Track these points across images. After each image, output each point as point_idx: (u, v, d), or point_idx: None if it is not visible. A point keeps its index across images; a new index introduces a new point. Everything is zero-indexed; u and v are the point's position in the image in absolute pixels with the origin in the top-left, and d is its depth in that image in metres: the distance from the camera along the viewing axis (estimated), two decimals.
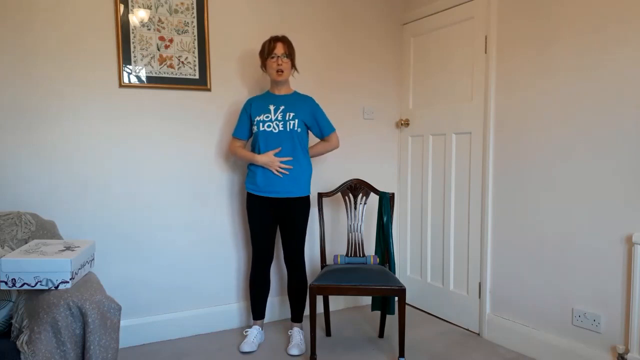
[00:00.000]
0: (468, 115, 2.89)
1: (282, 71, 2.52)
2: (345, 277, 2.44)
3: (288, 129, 2.52)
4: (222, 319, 2.92)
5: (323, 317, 2.94)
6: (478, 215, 2.84)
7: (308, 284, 2.64)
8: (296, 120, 2.53)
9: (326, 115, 2.69)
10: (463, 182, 2.95)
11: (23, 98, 2.38)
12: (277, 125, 2.53)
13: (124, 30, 2.55)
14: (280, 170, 2.52)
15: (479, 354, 2.58)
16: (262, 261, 2.66)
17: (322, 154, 2.78)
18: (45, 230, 2.13)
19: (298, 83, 3.01)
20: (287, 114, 2.54)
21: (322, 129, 2.66)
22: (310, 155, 2.71)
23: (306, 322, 2.99)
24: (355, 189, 2.81)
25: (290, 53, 2.54)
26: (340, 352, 2.61)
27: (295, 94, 2.64)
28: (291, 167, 2.53)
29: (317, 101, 2.74)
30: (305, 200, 2.62)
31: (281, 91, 2.62)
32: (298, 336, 2.65)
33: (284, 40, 2.54)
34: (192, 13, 2.72)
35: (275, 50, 2.50)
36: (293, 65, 2.59)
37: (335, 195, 2.93)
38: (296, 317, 2.72)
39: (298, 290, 2.69)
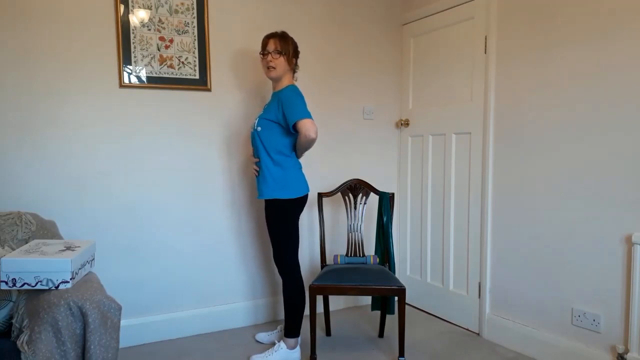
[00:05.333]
0: (468, 116, 2.89)
1: (273, 68, 2.38)
2: (345, 277, 2.44)
3: (253, 129, 2.44)
4: (222, 318, 2.92)
5: (323, 317, 2.94)
6: (478, 215, 2.84)
7: (296, 295, 2.44)
8: (259, 119, 2.40)
9: (297, 102, 2.30)
10: (463, 182, 2.95)
11: (23, 98, 2.38)
12: (253, 126, 2.45)
13: (124, 31, 2.56)
14: (254, 171, 2.49)
15: (478, 353, 2.58)
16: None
17: (303, 150, 2.39)
18: (45, 230, 2.13)
19: (297, 82, 3.01)
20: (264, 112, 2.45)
21: (287, 118, 2.28)
22: (297, 155, 2.47)
23: (306, 322, 2.99)
24: (355, 189, 2.81)
25: (283, 50, 2.37)
26: (340, 352, 2.62)
27: (283, 89, 2.39)
28: (257, 167, 2.44)
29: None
30: (273, 204, 2.39)
31: (275, 88, 2.46)
32: (274, 354, 2.44)
33: (278, 35, 2.40)
34: (192, 13, 2.73)
35: (267, 46, 2.41)
36: (289, 62, 2.41)
37: (335, 195, 2.93)
38: (285, 329, 2.50)
39: (284, 300, 2.47)
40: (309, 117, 2.26)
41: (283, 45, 2.38)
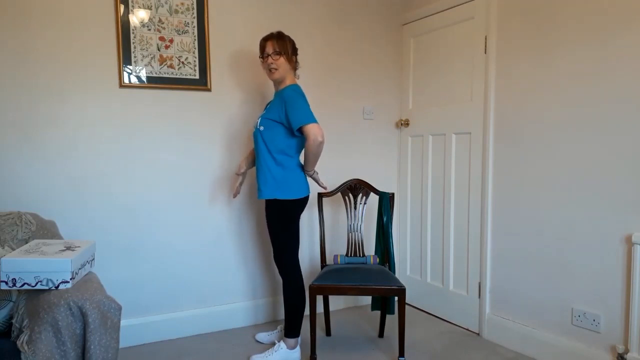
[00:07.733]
0: (468, 116, 2.89)
1: (275, 69, 2.38)
2: (345, 277, 2.44)
3: (256, 128, 2.43)
4: (222, 318, 2.92)
5: (323, 317, 2.95)
6: (478, 215, 2.84)
7: (296, 295, 2.44)
8: (261, 119, 2.40)
9: (300, 105, 2.29)
10: (463, 182, 2.95)
11: (23, 98, 2.38)
12: (256, 125, 2.44)
13: (124, 31, 2.56)
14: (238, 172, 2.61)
15: (478, 353, 2.58)
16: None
17: (313, 156, 2.32)
18: (45, 230, 2.13)
19: (297, 82, 3.01)
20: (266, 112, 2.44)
21: (291, 121, 2.27)
22: (309, 166, 2.40)
23: (306, 322, 2.99)
24: (355, 189, 2.81)
25: (281, 50, 2.37)
26: (340, 352, 2.62)
27: (285, 89, 2.39)
28: (243, 167, 2.54)
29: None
30: (274, 204, 2.38)
31: (278, 88, 2.46)
32: (274, 354, 2.44)
33: (274, 36, 2.40)
34: (192, 13, 2.73)
35: (265, 49, 2.40)
36: (289, 61, 2.40)
37: (335, 195, 2.93)
38: (285, 329, 2.50)
39: (284, 300, 2.47)
40: (315, 122, 2.25)
41: (281, 45, 2.38)
